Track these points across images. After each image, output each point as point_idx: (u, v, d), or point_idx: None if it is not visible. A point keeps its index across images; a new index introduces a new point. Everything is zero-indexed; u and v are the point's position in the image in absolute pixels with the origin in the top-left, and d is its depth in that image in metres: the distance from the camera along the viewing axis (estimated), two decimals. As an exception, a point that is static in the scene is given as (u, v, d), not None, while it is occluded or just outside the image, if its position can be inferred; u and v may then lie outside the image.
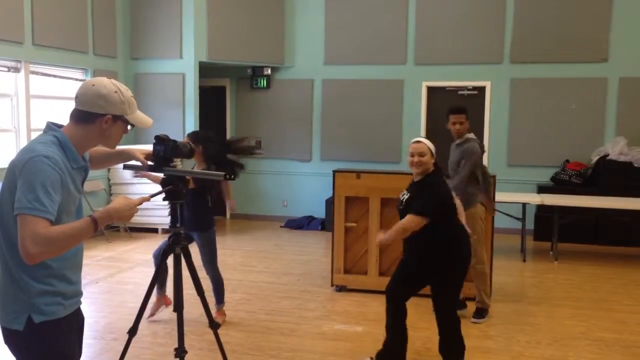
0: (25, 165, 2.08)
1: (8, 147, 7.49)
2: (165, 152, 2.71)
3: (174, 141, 2.74)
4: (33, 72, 7.70)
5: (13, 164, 2.15)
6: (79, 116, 2.25)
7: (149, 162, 2.70)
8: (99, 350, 4.62)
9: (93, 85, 2.24)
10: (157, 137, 2.72)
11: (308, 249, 8.22)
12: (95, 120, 2.23)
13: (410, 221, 3.81)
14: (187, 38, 9.03)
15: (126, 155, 2.68)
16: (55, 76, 8.15)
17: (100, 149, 2.50)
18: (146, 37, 9.23)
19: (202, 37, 9.09)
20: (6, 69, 7.30)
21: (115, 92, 2.25)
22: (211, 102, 10.04)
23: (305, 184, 9.94)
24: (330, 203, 9.18)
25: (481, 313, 5.34)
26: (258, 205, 10.20)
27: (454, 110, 5.38)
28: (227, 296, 5.88)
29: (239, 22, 9.38)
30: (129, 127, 2.31)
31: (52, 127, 2.26)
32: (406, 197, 3.97)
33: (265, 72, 9.85)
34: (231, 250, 8.00)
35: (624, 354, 4.60)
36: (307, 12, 9.75)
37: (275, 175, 10.05)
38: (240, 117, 10.20)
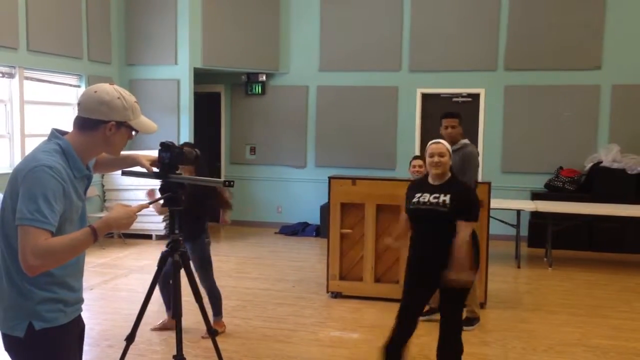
0: (27, 174, 2.08)
1: (2, 153, 7.45)
2: (171, 159, 2.69)
3: (180, 148, 2.72)
4: (27, 78, 7.67)
5: (16, 172, 2.15)
6: (82, 123, 2.23)
7: (154, 169, 2.69)
8: (95, 357, 4.60)
9: (95, 91, 2.22)
10: (162, 144, 2.71)
11: (303, 256, 8.21)
12: (98, 127, 2.22)
13: (470, 228, 3.80)
14: (182, 44, 9.02)
15: (131, 161, 2.66)
16: (49, 82, 8.12)
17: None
18: (141, 43, 9.22)
19: (197, 43, 9.09)
20: (0, 75, 7.28)
21: (118, 98, 2.23)
22: (206, 108, 10.04)
23: (300, 190, 9.94)
24: (324, 209, 9.18)
25: (471, 321, 5.32)
26: (252, 212, 10.18)
27: (447, 114, 5.50)
28: (223, 303, 5.87)
29: (234, 29, 9.39)
30: (133, 133, 2.30)
31: (56, 134, 2.24)
32: (446, 199, 3.83)
33: (260, 79, 9.86)
34: (226, 257, 7.98)
35: (620, 360, 4.63)
36: (302, 18, 9.78)
37: (269, 181, 10.04)
38: (235, 123, 10.20)
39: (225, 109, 10.26)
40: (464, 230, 3.75)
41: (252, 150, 10.13)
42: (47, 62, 7.90)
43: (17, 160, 7.52)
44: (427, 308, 5.17)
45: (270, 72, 9.86)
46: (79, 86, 8.60)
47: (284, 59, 9.89)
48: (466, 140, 5.40)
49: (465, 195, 3.94)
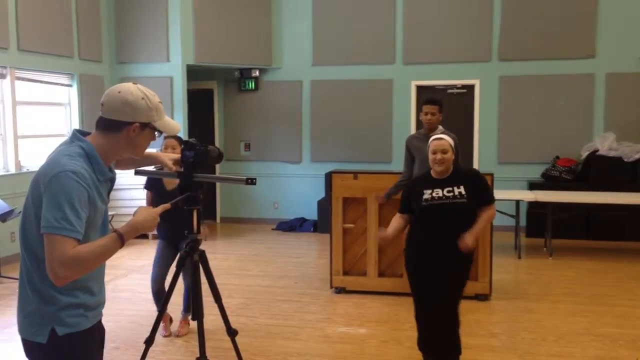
0: (51, 180, 2.01)
1: (-5, 155, 7.36)
2: (195, 158, 2.63)
3: (204, 146, 2.66)
4: (19, 78, 7.55)
5: (38, 177, 2.08)
6: (105, 125, 2.17)
7: (177, 169, 2.63)
8: None
9: (119, 92, 2.16)
10: (185, 143, 2.65)
11: (302, 251, 8.17)
12: (122, 129, 2.16)
13: (494, 207, 3.92)
14: (174, 41, 8.93)
15: (153, 160, 2.60)
16: (41, 82, 8.00)
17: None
18: (132, 41, 9.12)
19: (189, 40, 9.00)
20: (-8, 75, 7.17)
21: (142, 98, 2.17)
22: (199, 105, 9.95)
23: (296, 185, 9.89)
24: (322, 204, 9.15)
25: None
26: (249, 208, 10.13)
27: (427, 101, 5.57)
28: (225, 301, 5.79)
29: (226, 24, 9.30)
30: (156, 133, 2.24)
31: (78, 136, 2.18)
32: (461, 190, 3.79)
33: (253, 74, 9.78)
34: (224, 255, 7.92)
35: (630, 348, 4.62)
36: (294, 13, 9.70)
37: (265, 177, 9.96)
38: (229, 119, 10.12)
39: (218, 106, 10.18)
40: (492, 210, 3.91)
41: (247, 146, 10.07)
42: (38, 61, 7.78)
43: (11, 161, 7.42)
44: None
45: (263, 67, 9.79)
46: (70, 85, 8.48)
47: (277, 54, 9.82)
48: (442, 128, 5.43)
49: (477, 180, 3.95)
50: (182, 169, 2.70)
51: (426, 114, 5.44)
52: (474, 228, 3.77)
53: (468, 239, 3.72)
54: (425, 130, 5.51)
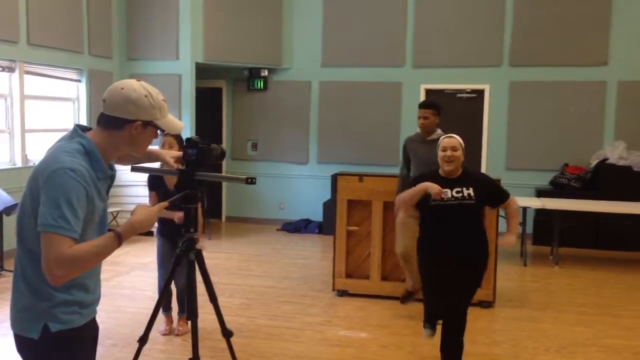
0: (49, 177, 1.98)
1: (2, 148, 7.34)
2: (197, 156, 2.59)
3: (207, 144, 2.62)
4: (28, 72, 7.55)
5: (36, 173, 2.05)
6: (107, 122, 2.14)
7: (179, 167, 2.59)
8: (98, 356, 4.47)
9: (122, 88, 2.12)
10: (188, 140, 2.62)
11: (306, 253, 8.13)
12: (124, 126, 2.12)
13: (514, 201, 3.99)
14: (184, 39, 8.92)
15: (154, 157, 2.57)
16: (50, 76, 8.00)
17: None
18: (142, 38, 9.11)
19: (198, 38, 8.98)
20: (0, 69, 7.16)
21: (146, 96, 2.13)
22: (207, 103, 9.93)
23: (302, 186, 9.85)
24: (327, 206, 9.11)
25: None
26: (254, 208, 10.10)
27: (420, 104, 5.53)
28: (226, 301, 5.79)
29: (236, 23, 9.28)
30: (158, 132, 2.20)
31: (78, 132, 2.14)
32: (469, 191, 3.77)
33: (262, 74, 9.75)
34: (227, 254, 7.88)
35: (634, 360, 4.56)
36: (304, 13, 9.67)
37: (271, 177, 9.94)
38: (237, 118, 10.10)
39: (226, 105, 10.16)
40: (513, 204, 3.95)
41: (254, 146, 10.04)
42: (48, 56, 7.79)
43: (18, 155, 7.43)
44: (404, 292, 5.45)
45: (272, 67, 9.76)
46: (79, 81, 8.49)
47: (286, 54, 9.79)
48: (441, 132, 5.34)
49: (487, 184, 3.96)
50: (182, 167, 2.67)
51: (419, 117, 5.39)
52: (512, 226, 3.88)
53: (512, 238, 3.83)
54: (421, 133, 5.46)
